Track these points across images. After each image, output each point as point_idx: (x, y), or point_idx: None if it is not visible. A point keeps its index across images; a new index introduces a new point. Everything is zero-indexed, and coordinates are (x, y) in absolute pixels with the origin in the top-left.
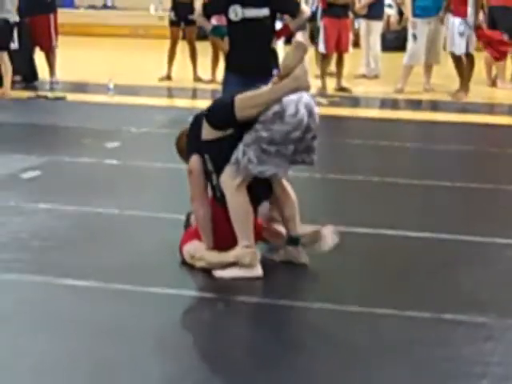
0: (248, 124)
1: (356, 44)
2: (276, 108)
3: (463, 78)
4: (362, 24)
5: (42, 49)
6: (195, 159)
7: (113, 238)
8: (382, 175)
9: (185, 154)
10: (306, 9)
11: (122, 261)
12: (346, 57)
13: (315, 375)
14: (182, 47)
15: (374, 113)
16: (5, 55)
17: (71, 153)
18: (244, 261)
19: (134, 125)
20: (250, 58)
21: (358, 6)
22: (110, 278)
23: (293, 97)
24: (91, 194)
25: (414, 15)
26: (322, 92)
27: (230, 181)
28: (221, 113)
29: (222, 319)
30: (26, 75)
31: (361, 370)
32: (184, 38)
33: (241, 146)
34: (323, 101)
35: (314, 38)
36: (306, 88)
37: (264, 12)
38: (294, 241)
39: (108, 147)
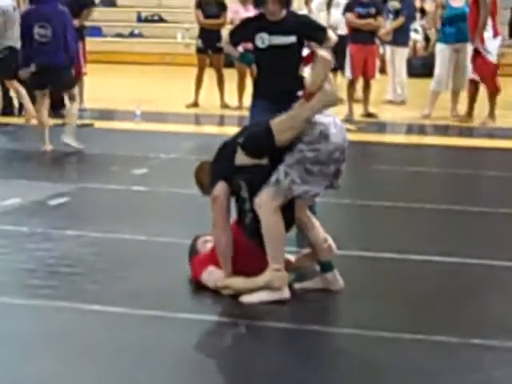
0: (283, 147)
1: (383, 70)
2: (321, 128)
3: (489, 104)
4: (387, 50)
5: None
6: (222, 186)
7: (140, 264)
8: (408, 201)
9: (205, 184)
10: (333, 35)
11: (149, 287)
12: (373, 83)
13: None
14: (210, 74)
15: (401, 138)
16: (14, 82)
17: (99, 180)
18: (274, 285)
19: (161, 151)
20: (277, 85)
21: (382, 31)
22: (136, 303)
23: (329, 118)
24: (119, 221)
25: (441, 41)
26: (349, 118)
27: (268, 202)
28: (259, 140)
29: (248, 345)
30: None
31: None
32: (211, 65)
33: (282, 168)
34: (351, 127)
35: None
36: (336, 101)
37: (291, 39)
38: (328, 266)
39: (135, 174)
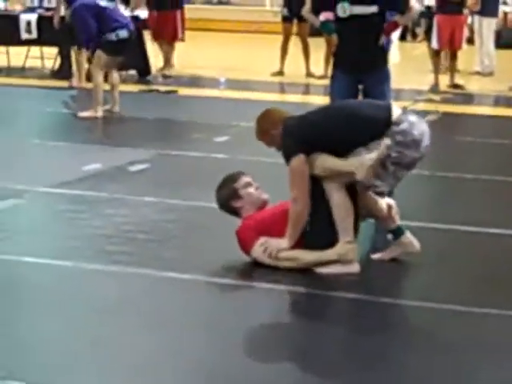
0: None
1: (471, 41)
2: (415, 134)
3: None
4: (475, 20)
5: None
6: (303, 159)
7: (217, 232)
8: (492, 173)
9: (264, 130)
10: (416, 4)
11: (225, 255)
12: (461, 53)
13: (422, 375)
14: (296, 43)
15: (487, 110)
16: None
17: (180, 147)
18: (347, 257)
19: (244, 119)
20: (357, 55)
21: (470, 2)
22: (212, 272)
23: (424, 126)
24: (197, 188)
25: None
26: (435, 88)
27: (336, 178)
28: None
29: (322, 315)
30: (140, 69)
31: (466, 370)
32: (297, 33)
33: (362, 150)
34: (435, 97)
35: (428, 34)
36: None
37: (372, 9)
38: (399, 230)
39: (217, 141)
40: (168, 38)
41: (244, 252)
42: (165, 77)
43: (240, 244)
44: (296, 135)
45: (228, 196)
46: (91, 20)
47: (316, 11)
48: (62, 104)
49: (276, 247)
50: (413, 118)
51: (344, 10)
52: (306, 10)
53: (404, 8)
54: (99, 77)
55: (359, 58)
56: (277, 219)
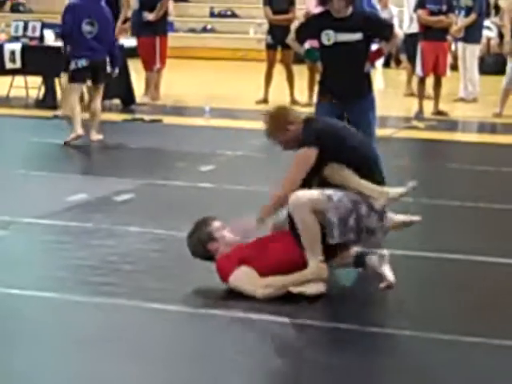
0: None
1: (455, 67)
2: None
3: None
4: (459, 47)
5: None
6: (314, 154)
7: (201, 263)
8: (478, 201)
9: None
10: (399, 32)
11: (210, 286)
12: (445, 80)
13: None
14: (280, 70)
15: (472, 137)
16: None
17: (165, 176)
18: (322, 276)
19: (229, 148)
20: (342, 83)
21: (454, 28)
22: (197, 303)
23: None
24: (183, 218)
25: None
26: (419, 115)
27: (308, 204)
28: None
29: (313, 344)
30: (124, 98)
31: None
32: (281, 61)
33: (340, 194)
34: (420, 124)
35: (412, 59)
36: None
37: (357, 36)
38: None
39: (202, 170)
40: (146, 65)
41: (223, 281)
42: (139, 105)
43: (219, 273)
44: (320, 131)
45: (203, 239)
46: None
47: (300, 39)
48: (47, 134)
49: (253, 277)
50: None
51: (328, 37)
52: (290, 38)
53: (389, 35)
54: (70, 98)
55: (344, 86)
56: (257, 246)
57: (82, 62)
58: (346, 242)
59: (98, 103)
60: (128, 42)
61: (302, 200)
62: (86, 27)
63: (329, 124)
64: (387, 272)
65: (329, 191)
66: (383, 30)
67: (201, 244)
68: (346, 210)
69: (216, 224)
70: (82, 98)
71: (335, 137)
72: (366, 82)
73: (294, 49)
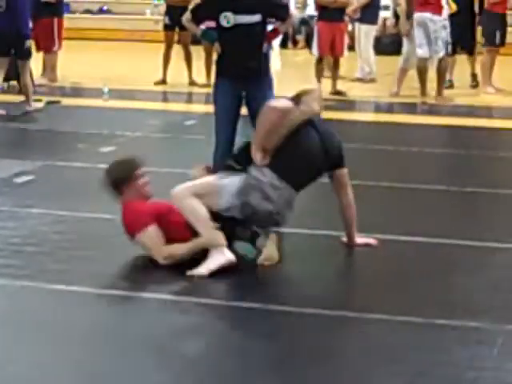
0: None
1: (352, 48)
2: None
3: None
4: (356, 27)
5: (41, 50)
6: None
7: (105, 243)
8: (375, 179)
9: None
10: (294, 12)
11: (113, 266)
12: (343, 60)
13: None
14: (178, 51)
15: (369, 116)
16: None
17: (65, 157)
18: (218, 241)
19: (128, 129)
20: (241, 64)
21: (349, 9)
22: (101, 283)
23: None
24: (84, 199)
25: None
26: None
27: (185, 191)
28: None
29: (239, 327)
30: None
31: (352, 377)
32: (179, 42)
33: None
34: None
35: (309, 41)
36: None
37: (256, 18)
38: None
39: (103, 152)
40: (45, 47)
41: (129, 234)
42: (37, 86)
43: (128, 225)
44: None
45: (123, 177)
46: None
47: (197, 20)
48: None
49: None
50: None
51: (228, 19)
52: (186, 19)
53: (286, 16)
54: None
55: (243, 67)
56: (174, 210)
57: None
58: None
59: None
60: None
61: (177, 190)
62: None
63: None
64: (266, 250)
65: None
66: (280, 10)
67: (120, 180)
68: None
69: (141, 170)
70: None
71: None
72: (264, 62)
73: (190, 30)
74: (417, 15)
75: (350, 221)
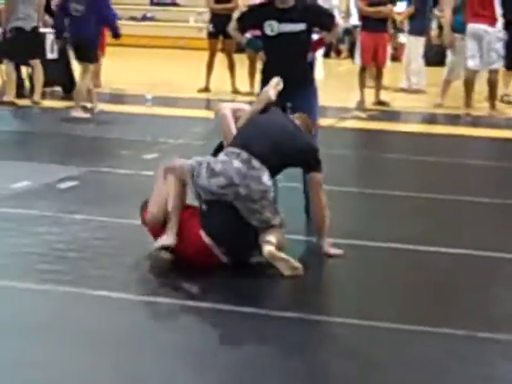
0: None
1: (396, 58)
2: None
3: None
4: (403, 38)
5: None
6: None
7: (146, 250)
8: (418, 191)
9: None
10: (341, 22)
11: (155, 273)
12: (386, 70)
13: None
14: (221, 59)
15: (412, 127)
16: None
17: (108, 164)
18: None
19: (171, 136)
20: (285, 72)
21: (398, 20)
22: (144, 290)
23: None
24: (127, 206)
25: (454, 30)
26: (361, 105)
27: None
28: None
29: (258, 334)
30: (65, 85)
31: None
32: (223, 50)
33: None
34: (362, 114)
35: (352, 51)
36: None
37: (300, 27)
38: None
39: (146, 158)
40: None
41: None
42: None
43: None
44: None
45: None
46: None
47: (242, 29)
48: None
49: None
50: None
51: (272, 28)
52: (231, 28)
53: (331, 25)
54: None
55: (287, 76)
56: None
57: None
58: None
59: None
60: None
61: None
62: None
63: None
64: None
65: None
66: (325, 20)
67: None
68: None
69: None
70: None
71: None
72: (309, 71)
73: (235, 38)
74: (470, 26)
75: (316, 227)
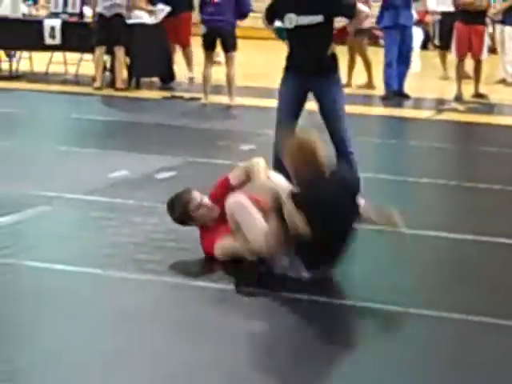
0: None
1: (494, 50)
2: None
3: None
4: (497, 30)
5: (181, 45)
6: None
7: None
8: None
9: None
10: (364, 8)
11: (252, 265)
12: (485, 62)
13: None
14: None
15: (510, 120)
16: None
17: (206, 154)
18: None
19: (270, 128)
20: (304, 62)
21: (492, 11)
22: (233, 280)
23: None
24: None
25: None
26: (459, 97)
27: None
28: None
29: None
30: (163, 76)
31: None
32: None
33: None
34: (460, 107)
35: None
36: None
37: (318, 19)
38: None
39: (243, 149)
40: (179, 42)
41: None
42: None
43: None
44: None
45: (181, 220)
46: None
47: (269, 19)
48: (86, 110)
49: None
50: None
51: (290, 21)
52: (262, 17)
53: (352, 13)
54: None
55: (306, 65)
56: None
57: None
58: None
59: None
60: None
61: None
62: None
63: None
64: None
65: None
66: (344, 9)
67: (180, 222)
68: None
69: (194, 203)
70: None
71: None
72: (331, 61)
73: (266, 28)
74: None
75: None
